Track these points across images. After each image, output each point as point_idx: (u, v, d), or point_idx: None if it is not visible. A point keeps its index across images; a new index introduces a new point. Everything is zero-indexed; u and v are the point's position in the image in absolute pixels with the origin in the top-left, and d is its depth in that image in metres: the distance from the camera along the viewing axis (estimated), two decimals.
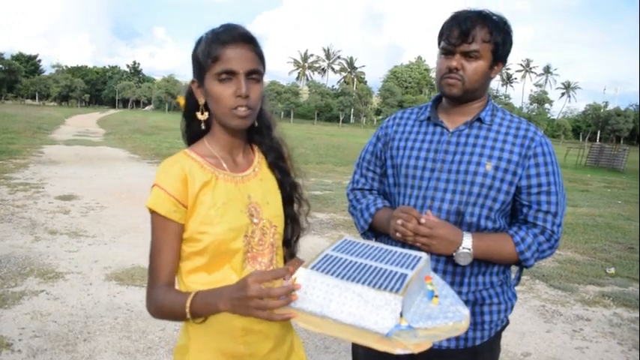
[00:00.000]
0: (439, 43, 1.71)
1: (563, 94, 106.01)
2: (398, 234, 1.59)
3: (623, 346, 4.12)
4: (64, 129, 27.40)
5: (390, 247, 1.39)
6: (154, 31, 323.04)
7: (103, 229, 6.61)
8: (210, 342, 1.36)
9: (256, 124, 1.44)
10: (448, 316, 1.20)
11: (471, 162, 1.68)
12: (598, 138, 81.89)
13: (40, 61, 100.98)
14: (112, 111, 72.92)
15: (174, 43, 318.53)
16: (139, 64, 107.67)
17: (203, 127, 1.43)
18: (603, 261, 6.68)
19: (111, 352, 3.46)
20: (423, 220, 1.56)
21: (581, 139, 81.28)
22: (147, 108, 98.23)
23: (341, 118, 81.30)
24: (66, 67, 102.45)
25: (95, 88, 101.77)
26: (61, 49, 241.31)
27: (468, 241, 1.59)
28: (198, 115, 1.41)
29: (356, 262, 1.25)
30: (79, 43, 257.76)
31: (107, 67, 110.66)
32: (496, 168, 1.66)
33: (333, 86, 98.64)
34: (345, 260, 1.26)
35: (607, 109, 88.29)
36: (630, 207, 11.94)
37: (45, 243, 5.82)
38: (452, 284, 1.65)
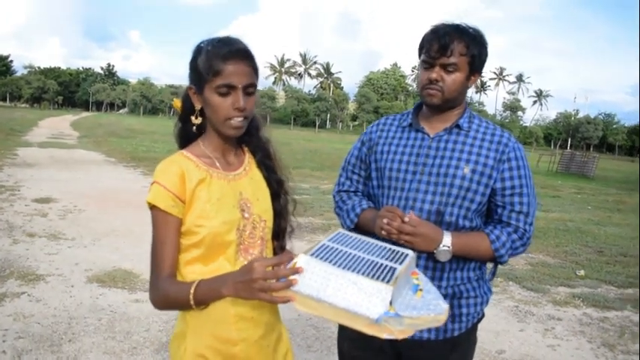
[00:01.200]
0: (419, 55, 1.84)
1: (535, 101, 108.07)
2: (383, 232, 1.70)
3: (592, 344, 4.31)
4: (38, 131, 26.98)
5: (379, 242, 1.51)
6: (128, 35, 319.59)
7: (82, 232, 6.59)
8: (206, 328, 1.45)
9: None
10: (430, 309, 1.32)
11: (450, 166, 1.80)
12: (569, 145, 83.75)
13: (11, 61, 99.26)
14: (85, 113, 71.94)
15: (149, 47, 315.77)
16: (113, 66, 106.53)
17: (195, 130, 1.54)
18: (573, 264, 6.92)
19: (96, 352, 3.50)
20: (406, 219, 1.67)
21: (552, 146, 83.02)
22: (121, 111, 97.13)
23: (317, 124, 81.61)
24: (38, 68, 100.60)
25: (68, 90, 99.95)
26: (34, 50, 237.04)
27: (447, 239, 1.71)
28: (193, 119, 1.52)
29: (350, 253, 1.36)
30: (52, 45, 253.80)
31: (81, 68, 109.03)
32: (473, 171, 1.79)
33: (309, 91, 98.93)
34: (341, 251, 1.37)
35: (577, 117, 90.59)
36: (600, 212, 12.32)
37: (24, 245, 5.80)
38: (432, 279, 1.76)
